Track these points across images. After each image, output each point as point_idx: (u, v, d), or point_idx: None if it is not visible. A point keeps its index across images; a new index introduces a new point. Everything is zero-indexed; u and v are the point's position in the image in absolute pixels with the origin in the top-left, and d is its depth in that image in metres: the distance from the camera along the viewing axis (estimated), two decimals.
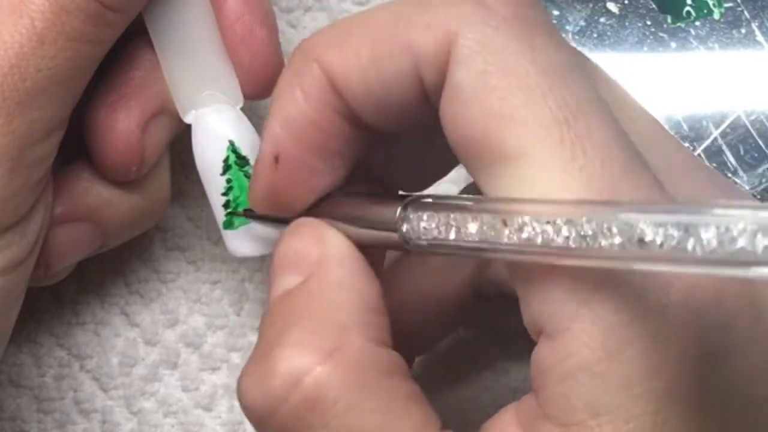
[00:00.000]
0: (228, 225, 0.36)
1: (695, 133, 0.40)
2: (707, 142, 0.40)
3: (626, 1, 0.41)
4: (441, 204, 0.29)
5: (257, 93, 0.36)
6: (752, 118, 0.40)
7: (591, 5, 0.41)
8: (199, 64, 0.35)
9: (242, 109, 0.36)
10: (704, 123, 0.41)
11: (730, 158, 0.40)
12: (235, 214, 0.36)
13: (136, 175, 0.35)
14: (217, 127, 0.36)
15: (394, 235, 0.30)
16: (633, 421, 0.26)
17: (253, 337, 0.41)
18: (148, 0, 0.34)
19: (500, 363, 0.41)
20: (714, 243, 0.22)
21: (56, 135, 0.32)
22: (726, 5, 0.40)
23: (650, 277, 0.26)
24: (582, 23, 0.41)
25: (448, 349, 0.41)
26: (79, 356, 0.41)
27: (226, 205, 0.36)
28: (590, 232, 0.24)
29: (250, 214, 0.34)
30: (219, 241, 0.39)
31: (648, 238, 0.23)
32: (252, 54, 0.35)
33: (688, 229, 0.22)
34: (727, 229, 0.22)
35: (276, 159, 0.31)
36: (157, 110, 0.35)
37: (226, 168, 0.36)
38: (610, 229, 0.24)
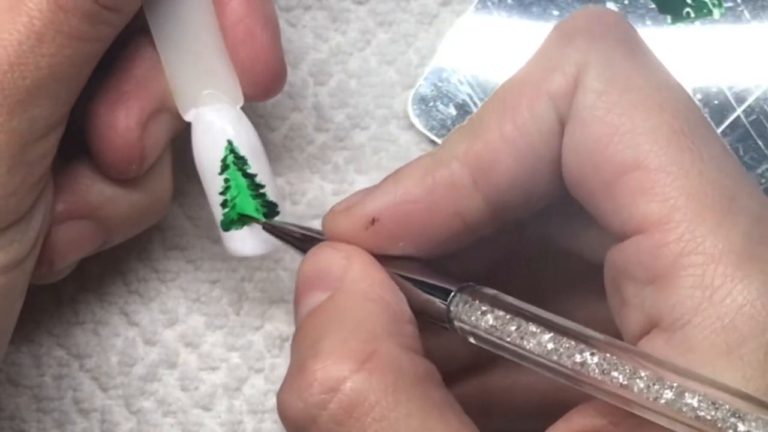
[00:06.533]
0: (226, 225, 0.36)
1: None
2: None
3: (626, 1, 0.41)
4: (507, 304, 0.30)
5: (258, 95, 0.36)
6: (751, 118, 0.40)
7: (590, 5, 0.41)
8: (200, 62, 0.35)
9: (242, 108, 0.36)
10: None
11: None
12: (248, 218, 0.36)
13: (136, 173, 0.35)
14: (216, 127, 0.36)
15: (440, 308, 0.31)
16: None
17: (253, 337, 0.41)
18: None
19: None
20: None
21: (56, 132, 0.32)
22: (726, 5, 0.40)
23: None
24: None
25: None
26: (79, 356, 0.41)
27: (223, 205, 0.36)
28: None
29: (261, 222, 0.36)
30: (218, 240, 0.39)
31: None
32: (253, 56, 0.35)
33: None
34: None
35: (372, 221, 0.32)
36: (157, 108, 0.35)
37: (224, 167, 0.36)
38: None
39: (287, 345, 0.41)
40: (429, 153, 0.32)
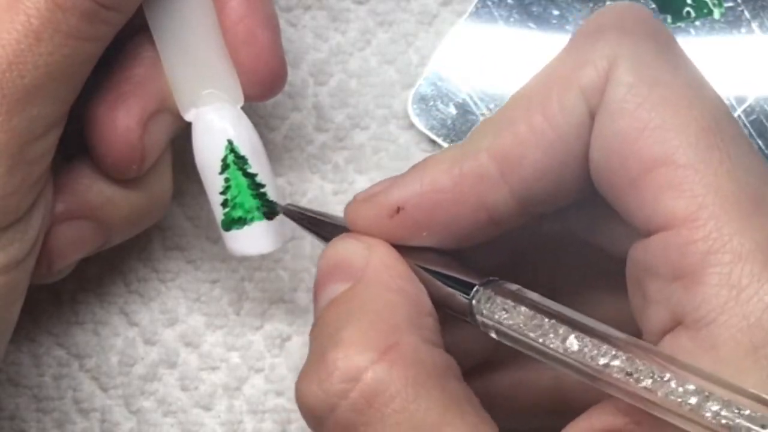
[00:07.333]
0: (227, 224, 0.36)
1: None
2: None
3: (626, 1, 0.41)
4: (531, 301, 0.29)
5: (259, 94, 0.36)
6: (752, 118, 0.40)
7: (591, 5, 0.41)
8: (200, 62, 0.35)
9: (242, 108, 0.36)
10: None
11: None
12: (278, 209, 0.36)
13: (137, 172, 0.35)
14: (216, 126, 0.36)
15: (462, 302, 0.31)
16: None
17: (253, 337, 0.41)
18: None
19: None
20: None
21: (55, 131, 0.32)
22: (726, 5, 0.40)
23: None
24: (581, 23, 0.41)
25: None
26: (79, 355, 0.41)
27: (224, 205, 0.36)
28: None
29: (282, 207, 0.36)
30: (218, 240, 0.39)
31: None
32: (254, 56, 0.35)
33: None
34: None
35: (397, 210, 0.32)
36: (157, 108, 0.35)
37: (225, 167, 0.36)
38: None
39: (287, 345, 0.41)
40: (457, 144, 0.32)
